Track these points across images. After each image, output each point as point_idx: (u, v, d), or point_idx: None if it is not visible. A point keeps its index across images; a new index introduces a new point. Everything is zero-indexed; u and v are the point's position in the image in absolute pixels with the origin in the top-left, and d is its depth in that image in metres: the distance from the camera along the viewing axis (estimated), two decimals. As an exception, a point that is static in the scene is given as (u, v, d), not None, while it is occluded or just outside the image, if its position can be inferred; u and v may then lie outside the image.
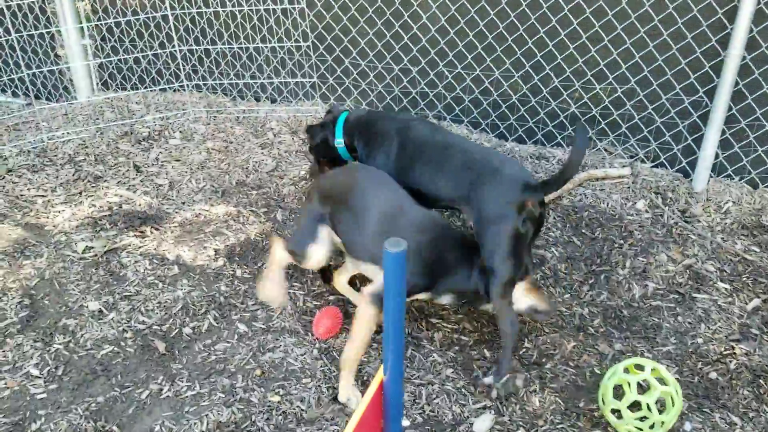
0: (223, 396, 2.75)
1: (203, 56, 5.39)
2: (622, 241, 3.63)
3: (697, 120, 4.01)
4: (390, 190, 3.00)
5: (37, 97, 5.75)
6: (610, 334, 3.07)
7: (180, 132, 4.93)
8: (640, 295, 3.28)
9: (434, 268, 2.83)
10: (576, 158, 2.87)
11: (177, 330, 3.10)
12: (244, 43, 5.21)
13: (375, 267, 2.92)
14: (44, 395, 2.76)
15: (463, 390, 2.79)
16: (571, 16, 4.07)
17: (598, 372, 2.87)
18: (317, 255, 3.08)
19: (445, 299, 2.95)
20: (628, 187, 4.01)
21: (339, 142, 3.62)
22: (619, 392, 2.54)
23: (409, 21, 4.57)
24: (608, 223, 3.77)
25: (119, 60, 5.60)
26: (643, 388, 2.56)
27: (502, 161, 3.00)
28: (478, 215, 2.89)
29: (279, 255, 3.18)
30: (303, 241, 3.09)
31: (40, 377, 2.85)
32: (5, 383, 2.81)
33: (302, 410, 2.69)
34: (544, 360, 2.94)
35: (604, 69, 4.12)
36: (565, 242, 3.64)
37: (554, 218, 3.80)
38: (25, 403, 2.73)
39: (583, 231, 3.72)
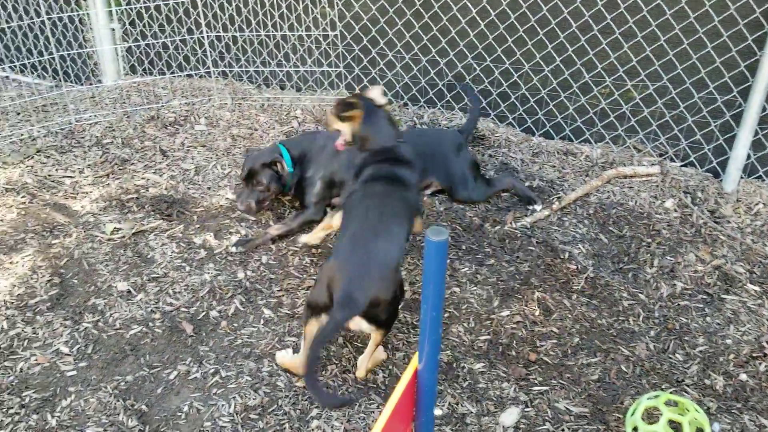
0: (250, 379, 2.76)
1: (230, 43, 5.40)
2: (650, 240, 3.60)
3: (730, 120, 3.97)
4: None
5: (63, 80, 5.77)
6: (641, 333, 3.05)
7: (205, 118, 4.94)
8: (668, 295, 3.26)
9: None
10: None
11: (204, 313, 3.12)
12: (272, 31, 5.21)
13: None
14: (74, 372, 2.79)
15: (490, 383, 2.78)
16: (605, 11, 4.04)
17: (625, 370, 2.85)
18: None
19: None
20: (657, 186, 3.98)
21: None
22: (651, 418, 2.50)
23: (439, 12, 4.55)
24: (636, 221, 3.74)
25: (146, 45, 5.62)
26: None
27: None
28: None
29: None
30: None
31: (69, 355, 2.87)
32: (36, 359, 2.84)
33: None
34: (570, 360, 2.92)
35: (637, 65, 4.09)
36: (591, 239, 3.62)
37: (581, 214, 3.78)
38: (55, 379, 2.76)
39: (611, 228, 3.70)
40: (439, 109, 4.88)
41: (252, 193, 3.74)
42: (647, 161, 4.17)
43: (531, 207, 3.82)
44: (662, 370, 2.85)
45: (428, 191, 3.98)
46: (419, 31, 4.69)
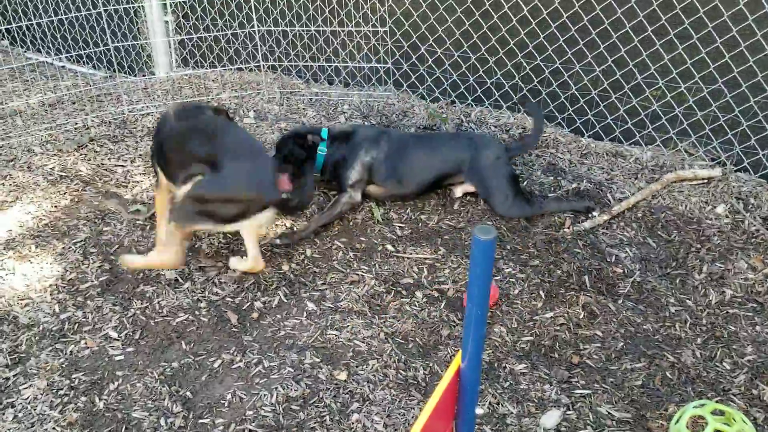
0: (292, 371, 2.79)
1: (280, 37, 5.45)
2: (699, 246, 3.53)
3: (787, 125, 3.86)
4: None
5: (117, 71, 5.91)
6: (687, 339, 3.00)
7: (254, 111, 5.00)
8: (716, 302, 3.19)
9: None
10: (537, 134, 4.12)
11: (249, 303, 3.16)
12: (322, 26, 5.25)
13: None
14: (122, 357, 2.86)
15: (532, 384, 2.76)
16: (659, 12, 3.96)
17: (670, 377, 2.80)
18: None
19: None
20: (708, 191, 3.89)
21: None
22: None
23: (490, 10, 4.53)
24: (685, 226, 3.66)
25: (199, 38, 5.71)
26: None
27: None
28: None
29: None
30: None
31: (118, 339, 2.95)
32: (85, 343, 2.92)
33: (369, 391, 2.71)
34: (614, 364, 2.89)
35: (691, 67, 4.00)
36: (639, 243, 3.56)
37: (629, 218, 3.72)
38: (104, 363, 2.83)
39: (659, 233, 3.63)
40: (486, 107, 4.85)
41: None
42: (698, 165, 4.08)
43: (591, 214, 3.74)
44: (708, 378, 2.80)
45: (458, 190, 3.93)
46: (469, 28, 4.67)
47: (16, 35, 6.56)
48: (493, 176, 3.75)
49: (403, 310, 3.14)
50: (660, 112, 4.23)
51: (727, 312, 3.14)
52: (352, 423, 2.58)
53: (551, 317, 3.10)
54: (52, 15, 5.95)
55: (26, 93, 5.45)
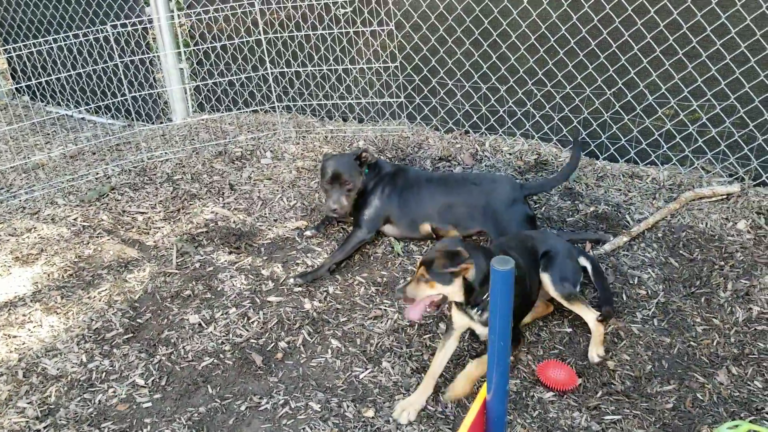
0: (319, 410, 2.79)
1: (293, 78, 5.54)
2: (722, 263, 3.49)
3: (804, 137, 3.84)
4: None
5: (135, 119, 6.02)
6: (717, 359, 2.96)
7: (271, 151, 5.07)
8: (743, 319, 3.15)
9: None
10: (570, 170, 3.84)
11: (273, 344, 3.17)
12: (334, 65, 5.33)
13: None
14: (149, 404, 2.87)
15: (561, 412, 2.73)
16: (666, 32, 3.98)
17: (701, 398, 2.76)
18: None
19: None
20: (728, 207, 3.87)
21: None
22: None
23: (498, 40, 4.57)
24: (707, 244, 3.63)
25: (214, 83, 5.82)
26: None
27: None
28: None
29: None
30: None
31: (145, 387, 2.96)
32: (113, 391, 2.94)
33: (396, 427, 2.69)
34: (643, 388, 2.85)
35: (702, 85, 4.00)
36: (661, 263, 3.53)
37: (650, 238, 3.70)
38: (132, 411, 2.84)
39: (681, 252, 3.60)
40: (500, 135, 4.88)
41: (340, 192, 3.80)
42: (716, 182, 4.06)
43: (602, 243, 3.67)
44: (741, 397, 2.75)
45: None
46: (478, 59, 4.72)
47: (36, 90, 6.73)
48: (507, 221, 3.61)
49: (428, 343, 3.13)
50: (674, 131, 4.22)
51: (755, 329, 3.09)
52: (382, 460, 2.56)
53: (577, 343, 3.07)
54: (71, 69, 6.11)
55: (48, 146, 5.58)
